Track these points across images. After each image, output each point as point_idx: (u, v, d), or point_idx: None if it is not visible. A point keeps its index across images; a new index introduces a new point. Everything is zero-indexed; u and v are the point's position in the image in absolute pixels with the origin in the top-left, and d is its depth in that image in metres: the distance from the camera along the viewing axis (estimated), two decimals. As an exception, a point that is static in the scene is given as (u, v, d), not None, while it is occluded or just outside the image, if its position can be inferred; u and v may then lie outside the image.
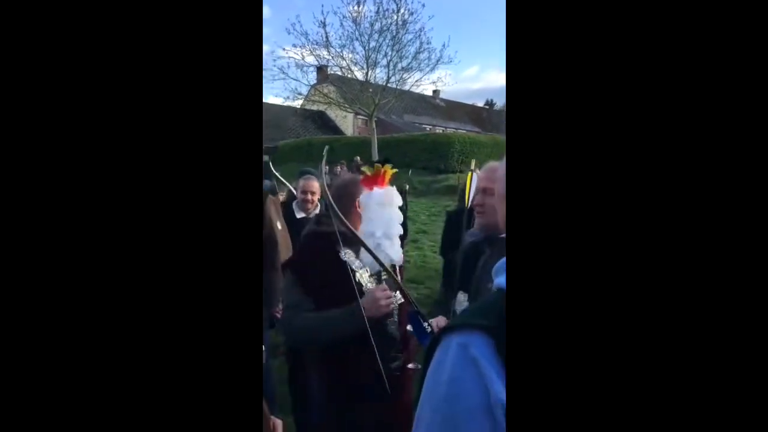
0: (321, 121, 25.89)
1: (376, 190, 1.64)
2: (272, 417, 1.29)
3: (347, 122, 25.54)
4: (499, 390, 0.49)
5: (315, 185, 2.91)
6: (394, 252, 1.58)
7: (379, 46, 16.45)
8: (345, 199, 1.65)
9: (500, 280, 0.59)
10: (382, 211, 1.57)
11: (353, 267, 1.58)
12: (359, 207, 1.61)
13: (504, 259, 0.59)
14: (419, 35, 16.23)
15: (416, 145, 16.20)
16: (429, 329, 1.47)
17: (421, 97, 27.83)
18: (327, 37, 16.31)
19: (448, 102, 32.51)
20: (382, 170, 1.60)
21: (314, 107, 22.12)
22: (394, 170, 1.66)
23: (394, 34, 16.19)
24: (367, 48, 16.48)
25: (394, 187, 1.66)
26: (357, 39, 16.36)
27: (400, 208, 1.68)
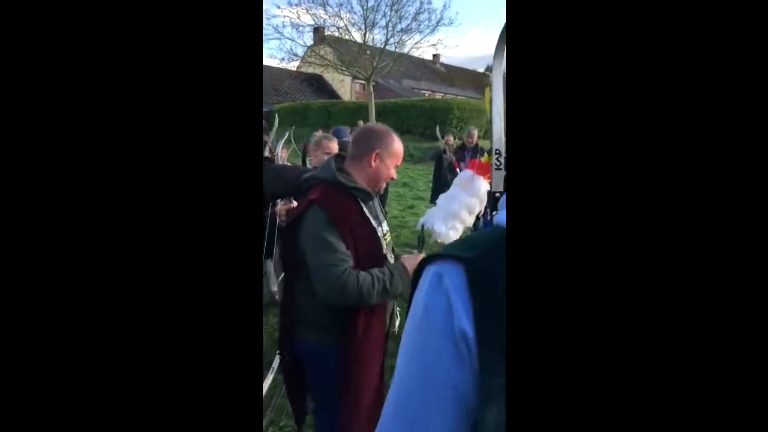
0: (318, 84, 25.36)
1: (480, 179, 1.73)
2: None
3: (345, 86, 25.01)
4: (463, 322, 0.51)
5: (334, 146, 2.75)
6: (445, 230, 1.64)
7: (378, 6, 15.92)
8: (363, 144, 1.55)
9: (499, 216, 0.59)
10: (468, 199, 1.66)
11: (374, 226, 1.52)
12: (376, 159, 1.54)
13: (505, 195, 0.59)
14: (419, -5, 15.67)
15: (414, 111, 15.89)
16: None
17: (421, 62, 27.20)
18: (324, -6, 15.73)
19: (448, 67, 31.82)
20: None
21: (310, 70, 21.62)
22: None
23: (394, -8, 15.62)
24: (365, 8, 15.95)
25: (487, 184, 1.72)
26: (355, -3, 15.79)
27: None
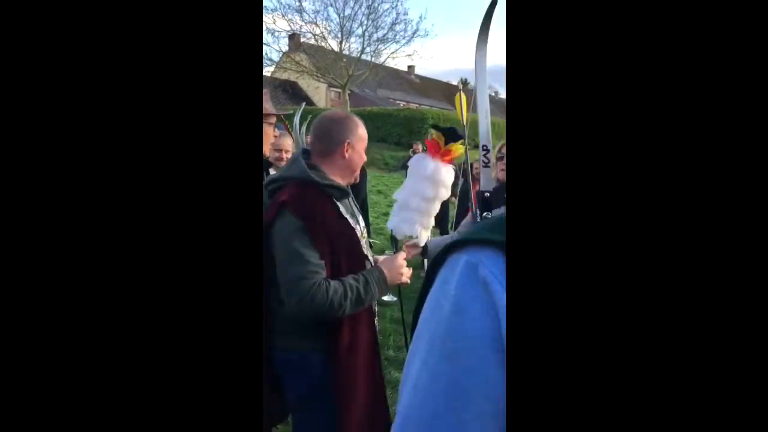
0: (292, 90, 25.20)
1: (426, 159, 1.51)
2: None
3: (320, 93, 24.95)
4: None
5: (288, 143, 2.66)
6: (397, 222, 1.50)
7: (355, 15, 16.02)
8: (330, 136, 1.42)
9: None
10: (416, 184, 1.48)
11: (353, 225, 1.42)
12: (348, 149, 1.41)
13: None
14: (395, 5, 15.88)
15: (390, 120, 15.98)
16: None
17: (396, 72, 27.45)
18: (300, 1, 15.71)
19: (422, 78, 32.22)
20: (452, 146, 1.47)
21: (285, 75, 21.47)
22: (460, 152, 1.52)
23: (370, 2, 15.76)
24: (341, 16, 16.01)
25: (452, 168, 1.56)
26: (332, 5, 15.84)
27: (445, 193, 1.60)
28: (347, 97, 16.46)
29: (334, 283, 1.30)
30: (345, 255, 1.36)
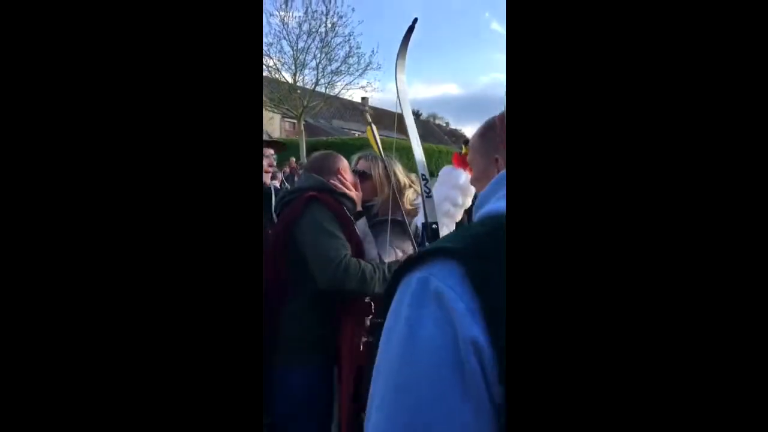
0: (246, 122, 24.90)
1: (459, 171, 1.69)
2: None
3: (274, 123, 24.86)
4: (468, 325, 0.38)
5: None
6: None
7: (308, 48, 16.24)
8: (322, 167, 1.63)
9: (487, 208, 0.50)
10: (449, 191, 1.62)
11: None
12: (345, 173, 1.62)
13: (483, 193, 0.54)
14: (348, 39, 16.27)
15: (346, 149, 16.11)
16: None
17: (350, 104, 27.87)
18: (254, 34, 15.78)
19: (376, 109, 32.87)
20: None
21: (239, 107, 21.22)
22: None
23: (323, 36, 16.07)
24: (295, 48, 16.20)
25: (467, 175, 1.71)
26: (285, 38, 16.04)
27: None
28: (302, 128, 16.53)
29: (362, 261, 1.43)
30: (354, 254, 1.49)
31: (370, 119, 1.71)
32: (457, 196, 1.76)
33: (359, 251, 1.51)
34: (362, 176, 1.70)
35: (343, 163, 1.69)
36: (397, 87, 1.56)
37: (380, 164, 1.72)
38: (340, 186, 1.59)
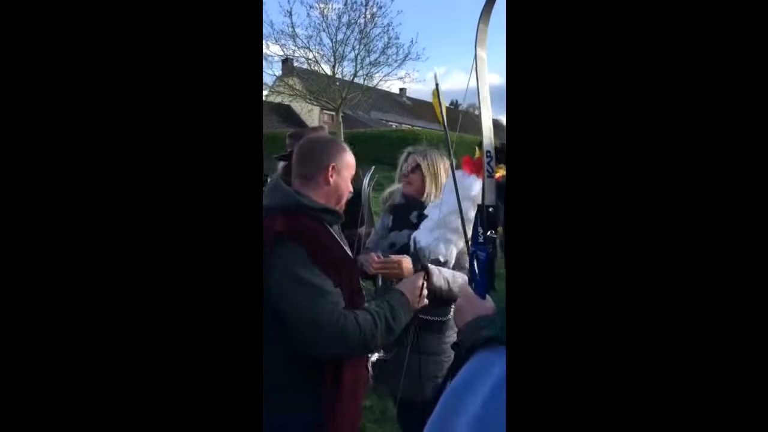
0: (286, 113, 25.40)
1: (472, 177, 1.44)
2: None
3: (313, 116, 25.17)
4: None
5: None
6: (431, 240, 1.40)
7: (347, 39, 16.27)
8: (312, 159, 1.31)
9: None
10: (472, 207, 1.36)
11: (347, 251, 1.33)
12: (333, 174, 1.32)
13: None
14: (387, 30, 16.16)
15: (383, 141, 16.11)
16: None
17: (388, 95, 27.84)
18: (293, 26, 15.98)
19: (414, 100, 32.64)
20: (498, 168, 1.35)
21: (278, 99, 21.65)
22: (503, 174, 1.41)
23: (362, 27, 16.05)
24: (334, 40, 16.27)
25: (479, 182, 1.48)
26: (324, 30, 16.11)
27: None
28: (341, 120, 16.62)
29: (358, 312, 1.16)
30: (347, 282, 1.24)
31: (437, 81, 1.39)
32: (469, 209, 1.42)
33: (348, 284, 1.22)
34: (413, 171, 1.65)
35: (340, 156, 1.33)
36: (476, 55, 1.31)
37: (429, 158, 1.68)
38: (318, 199, 1.26)
